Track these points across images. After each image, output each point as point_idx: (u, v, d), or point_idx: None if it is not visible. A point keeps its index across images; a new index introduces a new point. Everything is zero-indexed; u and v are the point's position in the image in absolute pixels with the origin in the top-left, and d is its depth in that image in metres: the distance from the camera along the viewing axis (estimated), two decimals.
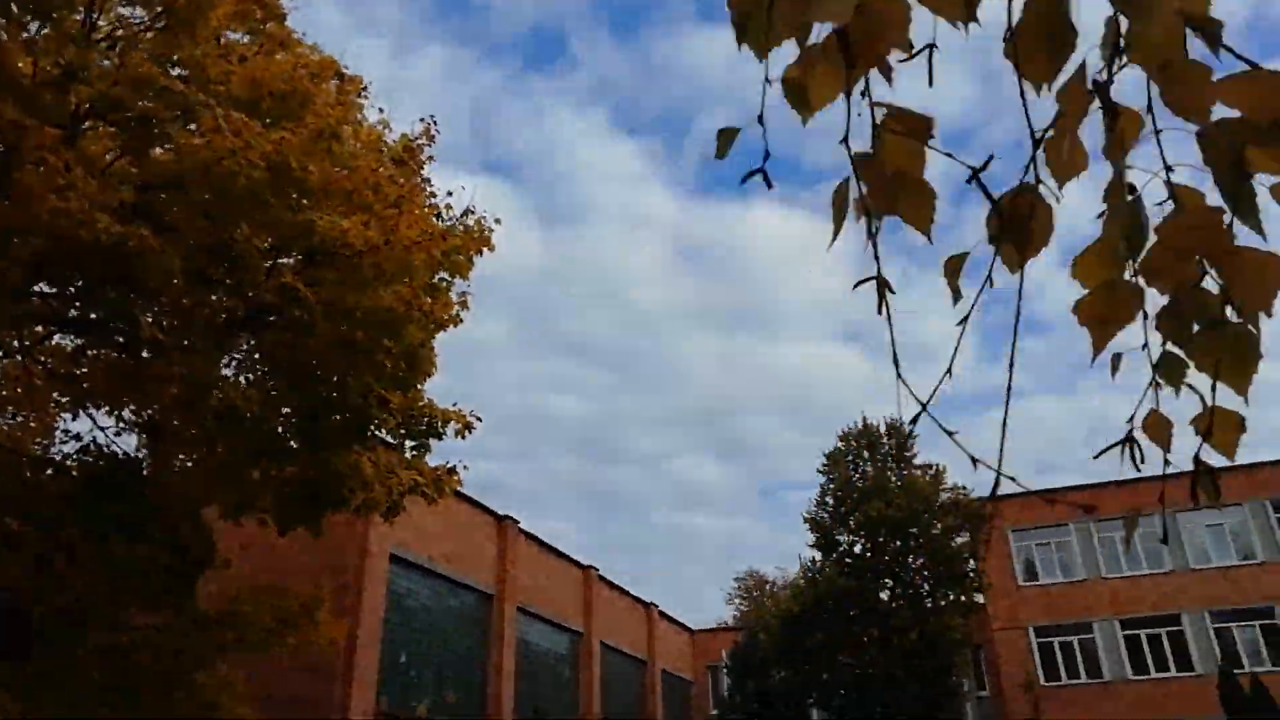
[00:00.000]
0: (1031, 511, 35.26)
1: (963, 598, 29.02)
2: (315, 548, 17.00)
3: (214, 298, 8.52)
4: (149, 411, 8.28)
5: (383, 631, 17.90)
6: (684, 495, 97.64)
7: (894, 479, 30.38)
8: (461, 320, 9.54)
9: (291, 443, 8.79)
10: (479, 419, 10.65)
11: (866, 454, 31.61)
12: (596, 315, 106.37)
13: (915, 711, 26.20)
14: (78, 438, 8.26)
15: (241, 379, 8.69)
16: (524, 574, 24.41)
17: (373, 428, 9.04)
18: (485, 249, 10.11)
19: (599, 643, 28.42)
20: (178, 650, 8.58)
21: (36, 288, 8.02)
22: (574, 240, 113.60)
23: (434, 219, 9.16)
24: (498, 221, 10.22)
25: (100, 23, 7.69)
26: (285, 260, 8.60)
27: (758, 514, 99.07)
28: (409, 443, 10.26)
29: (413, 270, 8.45)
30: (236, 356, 9.26)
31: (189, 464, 9.15)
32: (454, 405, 10.55)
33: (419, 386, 10.05)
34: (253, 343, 9.12)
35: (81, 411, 8.70)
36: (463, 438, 10.57)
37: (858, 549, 29.57)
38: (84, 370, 8.24)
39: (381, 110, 13.25)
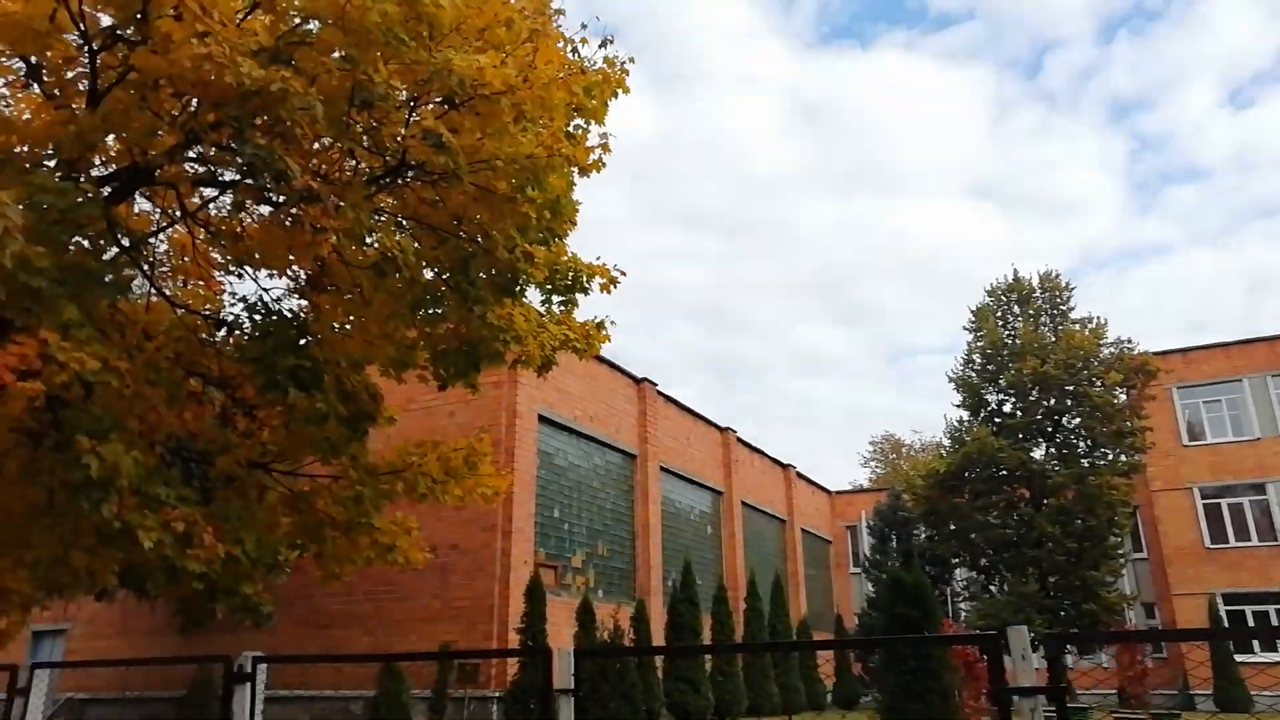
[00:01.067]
0: (1199, 367, 32.73)
1: (1123, 457, 27.48)
2: (467, 410, 17.65)
3: (355, 156, 8.40)
4: (307, 271, 8.41)
5: (535, 488, 18.64)
6: (806, 362, 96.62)
7: (1049, 334, 28.58)
8: (604, 164, 9.07)
9: (445, 299, 8.78)
10: (623, 273, 10.37)
11: (1017, 309, 29.81)
12: (710, 182, 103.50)
13: (1069, 571, 25.50)
14: (244, 299, 8.53)
15: (394, 231, 8.66)
16: (665, 435, 24.78)
17: (521, 281, 8.90)
18: (620, 90, 9.51)
19: (740, 501, 28.89)
20: (355, 497, 9.07)
21: (190, 152, 8.09)
22: (684, 104, 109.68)
23: (571, 55, 8.62)
24: (631, 60, 9.54)
25: None
26: (422, 109, 8.32)
27: (884, 380, 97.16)
28: (555, 298, 10.12)
29: (553, 109, 7.99)
30: (382, 216, 9.22)
31: (347, 325, 9.35)
32: (597, 259, 10.29)
33: (562, 240, 9.78)
34: (393, 202, 9.03)
35: (245, 273, 8.93)
36: (608, 292, 10.33)
37: (1007, 408, 28.33)
38: (241, 229, 8.39)
39: None
